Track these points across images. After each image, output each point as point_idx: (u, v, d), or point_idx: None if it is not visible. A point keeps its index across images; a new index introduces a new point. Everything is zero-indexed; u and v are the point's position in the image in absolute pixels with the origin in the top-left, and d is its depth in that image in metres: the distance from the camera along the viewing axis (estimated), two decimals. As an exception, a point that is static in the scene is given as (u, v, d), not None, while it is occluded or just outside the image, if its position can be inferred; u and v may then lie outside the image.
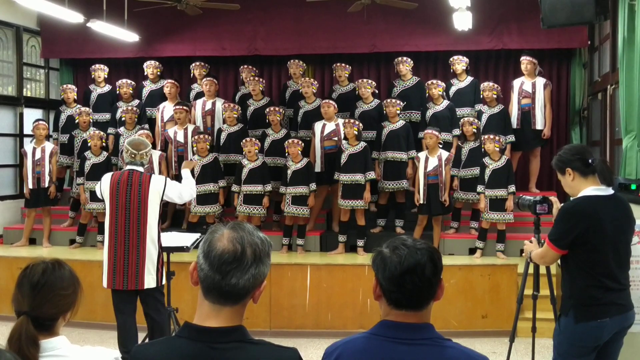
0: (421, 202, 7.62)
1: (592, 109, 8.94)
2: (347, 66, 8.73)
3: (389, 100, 8.10)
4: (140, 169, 5.15)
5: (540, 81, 8.32)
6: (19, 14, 9.25)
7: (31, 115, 9.34)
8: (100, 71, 9.33)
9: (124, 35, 8.62)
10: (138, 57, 9.50)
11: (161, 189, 5.10)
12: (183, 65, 9.77)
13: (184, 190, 5.33)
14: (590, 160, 3.49)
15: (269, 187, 7.87)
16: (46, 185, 8.40)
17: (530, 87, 8.30)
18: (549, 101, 8.33)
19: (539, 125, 8.29)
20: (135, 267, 5.02)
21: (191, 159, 8.00)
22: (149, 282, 5.08)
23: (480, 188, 7.56)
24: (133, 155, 5.14)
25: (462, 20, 7.66)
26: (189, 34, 9.43)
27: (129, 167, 5.16)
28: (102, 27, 8.13)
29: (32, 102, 9.96)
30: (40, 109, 10.07)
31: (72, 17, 7.75)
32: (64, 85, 9.46)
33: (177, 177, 7.48)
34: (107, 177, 5.18)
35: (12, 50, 9.59)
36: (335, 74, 8.80)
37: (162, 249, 5.21)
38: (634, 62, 5.99)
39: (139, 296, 5.20)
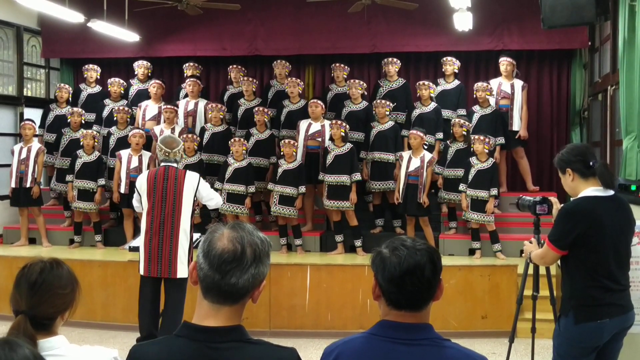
0: (400, 201, 7.63)
1: (592, 110, 8.94)
2: (346, 67, 8.74)
3: (378, 101, 8.11)
4: (175, 165, 5.46)
5: (519, 83, 8.38)
6: (20, 13, 9.26)
7: (31, 115, 9.33)
8: (93, 71, 9.34)
9: (125, 35, 8.63)
10: (138, 57, 9.50)
11: (195, 184, 5.44)
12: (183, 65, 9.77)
13: (214, 194, 5.71)
14: (591, 163, 3.49)
15: (252, 189, 7.86)
16: (28, 185, 8.36)
17: (509, 88, 8.35)
18: (525, 102, 8.39)
19: (515, 126, 8.35)
20: (169, 255, 5.32)
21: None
22: (182, 271, 5.35)
23: (462, 187, 7.57)
24: (167, 154, 5.46)
25: (463, 21, 7.66)
26: (189, 34, 9.44)
27: (163, 164, 5.48)
28: (103, 27, 8.14)
29: (33, 102, 9.96)
30: (40, 109, 10.04)
31: (73, 17, 7.76)
32: (60, 84, 9.46)
33: None
34: (144, 174, 5.56)
35: (12, 49, 9.59)
36: (333, 74, 8.81)
37: (192, 242, 5.46)
38: (635, 63, 5.99)
39: (166, 287, 5.44)
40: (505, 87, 8.36)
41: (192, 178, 5.45)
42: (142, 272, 5.45)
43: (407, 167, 7.62)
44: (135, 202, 5.69)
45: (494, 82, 8.46)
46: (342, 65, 8.73)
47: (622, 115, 6.36)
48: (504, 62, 8.34)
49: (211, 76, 10.12)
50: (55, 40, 9.81)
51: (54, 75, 10.44)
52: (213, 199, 5.70)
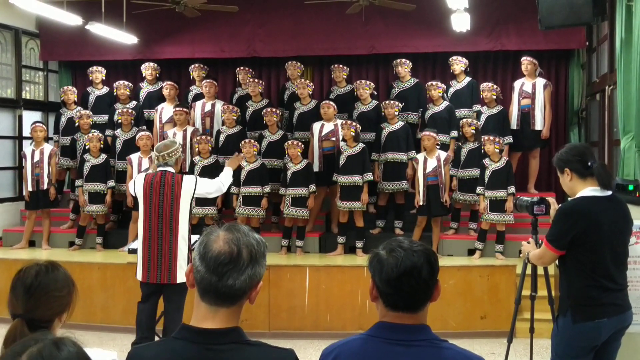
0: (421, 203, 7.62)
1: (590, 110, 8.94)
2: (345, 67, 8.74)
3: (387, 102, 8.12)
4: (171, 169, 5.39)
5: (541, 82, 8.32)
6: (18, 16, 9.26)
7: (30, 118, 9.35)
8: (98, 73, 9.33)
9: (123, 37, 8.63)
10: (137, 59, 9.51)
11: (192, 189, 5.37)
12: (182, 68, 9.78)
13: (213, 183, 5.63)
14: (589, 163, 3.49)
15: (267, 189, 7.87)
16: (45, 187, 8.39)
17: (530, 87, 8.31)
18: (548, 102, 8.33)
19: (538, 126, 8.29)
20: (168, 262, 5.28)
21: (192, 159, 8.06)
22: (181, 276, 5.29)
23: (479, 189, 7.56)
24: (158, 158, 5.41)
25: (460, 22, 7.68)
26: (187, 36, 9.44)
27: (160, 168, 5.41)
28: (101, 30, 8.14)
29: (31, 105, 9.97)
30: (39, 112, 10.08)
31: (71, 19, 7.77)
32: (65, 87, 9.46)
33: None
34: (140, 178, 5.44)
35: (11, 52, 9.60)
36: (333, 75, 8.81)
37: (192, 245, 5.40)
38: (632, 63, 6.00)
39: (164, 293, 5.41)
40: (527, 87, 8.32)
41: (188, 182, 5.38)
42: (140, 278, 5.38)
43: (424, 169, 7.60)
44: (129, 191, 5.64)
45: (517, 83, 8.44)
46: (342, 66, 8.72)
47: (619, 115, 6.36)
48: (525, 62, 8.30)
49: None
50: (54, 43, 9.81)
51: (53, 78, 10.45)
52: (216, 186, 5.63)
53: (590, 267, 3.43)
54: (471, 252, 7.69)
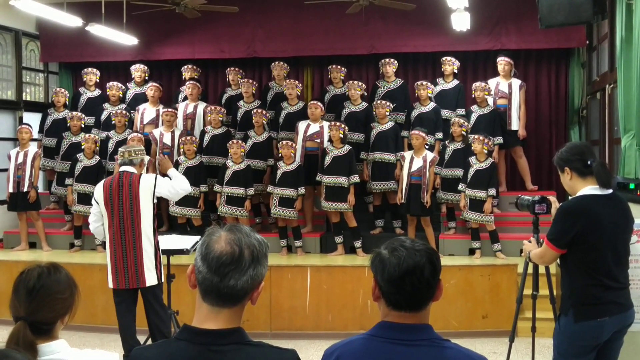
0: (402, 201, 7.63)
1: (590, 109, 8.94)
2: (343, 68, 8.74)
3: (378, 102, 8.13)
4: (131, 169, 5.23)
5: (516, 82, 8.40)
6: (18, 18, 9.26)
7: (30, 120, 9.35)
8: (92, 75, 9.36)
9: (123, 38, 8.65)
10: (137, 60, 9.51)
11: (151, 186, 5.17)
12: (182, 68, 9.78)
13: (176, 184, 5.35)
14: (589, 162, 3.50)
15: (251, 191, 7.87)
16: (25, 189, 8.35)
17: (507, 87, 8.37)
18: (524, 102, 8.40)
19: (514, 126, 8.37)
20: (135, 265, 5.13)
21: (177, 159, 8.13)
22: (150, 279, 5.17)
23: (461, 186, 7.58)
24: (122, 154, 5.31)
25: (460, 21, 7.68)
26: (187, 37, 9.44)
27: (121, 168, 5.28)
28: (101, 31, 8.15)
29: (32, 106, 9.97)
30: (39, 113, 10.06)
31: (71, 21, 7.78)
32: (57, 89, 9.48)
33: None
34: (99, 184, 5.29)
35: (11, 54, 9.60)
36: (330, 76, 8.81)
37: (159, 246, 5.27)
38: (632, 62, 5.99)
39: (142, 295, 5.27)
40: (503, 87, 8.39)
41: (147, 180, 5.20)
42: (110, 285, 5.24)
43: (410, 168, 7.62)
44: (92, 219, 5.27)
45: (492, 82, 8.48)
46: (339, 66, 8.74)
47: (620, 114, 6.35)
48: (502, 62, 8.36)
49: (209, 79, 10.13)
50: (54, 44, 9.81)
51: (53, 79, 10.45)
52: (177, 188, 5.32)
53: (592, 265, 3.43)
54: (472, 252, 7.70)
